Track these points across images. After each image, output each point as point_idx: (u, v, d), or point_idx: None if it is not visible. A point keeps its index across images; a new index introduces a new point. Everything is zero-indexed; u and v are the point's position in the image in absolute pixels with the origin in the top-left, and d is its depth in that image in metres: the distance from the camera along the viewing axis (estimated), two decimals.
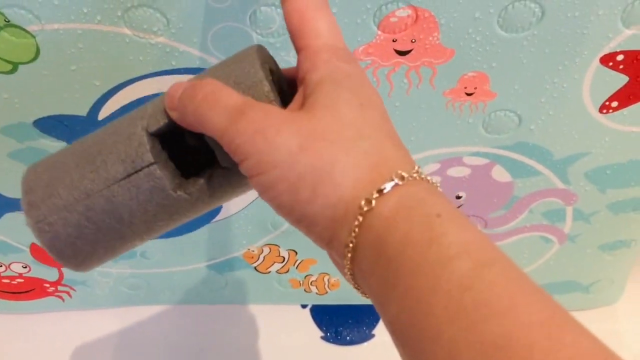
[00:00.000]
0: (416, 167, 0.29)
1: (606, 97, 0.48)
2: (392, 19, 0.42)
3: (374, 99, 0.30)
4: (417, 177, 0.28)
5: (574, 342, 0.23)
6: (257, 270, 0.68)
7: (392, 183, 0.27)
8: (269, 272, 0.68)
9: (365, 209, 0.27)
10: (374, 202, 0.27)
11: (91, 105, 0.47)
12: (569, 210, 0.59)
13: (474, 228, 0.27)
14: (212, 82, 0.31)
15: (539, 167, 0.54)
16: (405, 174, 0.28)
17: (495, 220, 0.60)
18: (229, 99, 0.29)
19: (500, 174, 0.55)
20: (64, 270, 0.66)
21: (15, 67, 0.44)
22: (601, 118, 0.50)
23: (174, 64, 0.45)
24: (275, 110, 0.29)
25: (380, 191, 0.27)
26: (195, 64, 0.45)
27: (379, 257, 0.27)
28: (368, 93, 0.30)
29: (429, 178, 0.29)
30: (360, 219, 0.27)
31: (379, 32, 0.43)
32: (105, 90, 0.46)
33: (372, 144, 0.28)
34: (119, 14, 0.41)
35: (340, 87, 0.29)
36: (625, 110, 0.49)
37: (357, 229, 0.27)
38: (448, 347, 0.24)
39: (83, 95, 0.46)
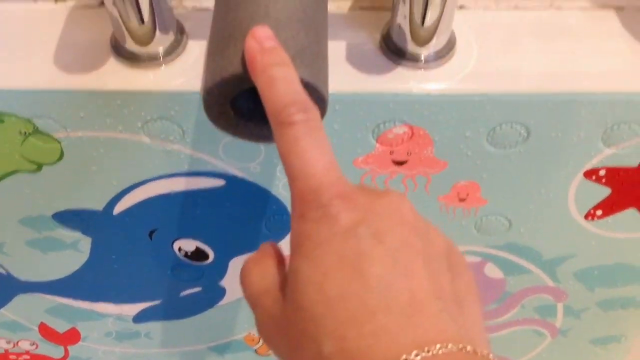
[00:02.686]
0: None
1: (591, 206, 0.51)
2: (390, 135, 0.46)
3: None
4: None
5: None
6: (257, 353, 0.69)
7: None
8: (269, 354, 0.70)
9: None
10: None
11: (107, 201, 0.51)
12: (560, 307, 0.61)
13: None
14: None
15: (530, 266, 0.57)
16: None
17: (488, 313, 0.63)
18: None
19: (492, 271, 0.58)
20: (70, 348, 0.68)
21: (39, 167, 0.47)
22: (587, 224, 0.53)
23: (187, 168, 0.48)
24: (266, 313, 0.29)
25: None
26: (207, 168, 0.48)
27: None
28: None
29: None
30: None
31: (378, 145, 0.47)
32: (121, 188, 0.50)
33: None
34: (139, 124, 0.45)
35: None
36: (609, 219, 0.52)
37: None
38: None
39: (100, 192, 0.50)
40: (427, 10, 0.40)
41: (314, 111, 0.28)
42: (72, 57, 0.44)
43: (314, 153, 0.27)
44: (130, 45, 0.43)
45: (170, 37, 0.44)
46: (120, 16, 0.41)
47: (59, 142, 0.46)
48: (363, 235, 0.26)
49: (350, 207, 0.27)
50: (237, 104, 0.30)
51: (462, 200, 0.51)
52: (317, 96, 0.30)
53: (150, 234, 0.54)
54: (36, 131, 0.45)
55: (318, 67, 0.30)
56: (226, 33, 0.30)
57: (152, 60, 0.44)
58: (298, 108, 0.27)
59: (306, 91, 0.29)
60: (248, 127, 0.32)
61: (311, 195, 0.27)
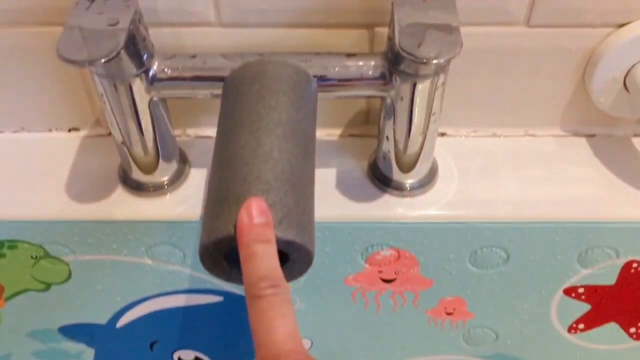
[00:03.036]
0: None
1: (573, 320, 0.54)
2: (378, 257, 0.49)
3: None
4: None
5: None
6: None
7: None
8: None
9: None
10: None
11: (111, 315, 0.53)
12: None
13: None
14: None
15: None
16: None
17: None
18: None
19: None
20: None
21: (48, 286, 0.50)
22: (570, 337, 0.55)
23: (187, 286, 0.51)
24: None
25: None
26: (206, 286, 0.51)
27: None
28: None
29: None
30: None
31: (367, 266, 0.49)
32: (124, 304, 0.52)
33: None
34: (143, 249, 0.48)
35: None
36: (591, 332, 0.54)
37: None
38: None
39: (105, 308, 0.53)
40: (410, 140, 0.43)
41: (284, 286, 0.31)
42: (82, 187, 0.48)
43: (278, 323, 0.30)
44: (137, 174, 0.47)
45: (173, 166, 0.48)
46: (127, 148, 0.45)
47: (68, 265, 0.49)
48: None
49: None
50: (231, 253, 0.34)
51: (449, 314, 0.54)
52: (304, 252, 0.33)
53: (151, 345, 0.56)
54: (46, 255, 0.48)
55: (303, 226, 0.34)
56: (221, 195, 0.33)
57: (157, 190, 0.47)
58: (268, 283, 0.30)
59: (294, 249, 0.33)
60: (240, 274, 0.35)
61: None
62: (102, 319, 0.54)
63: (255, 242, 0.31)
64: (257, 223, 0.31)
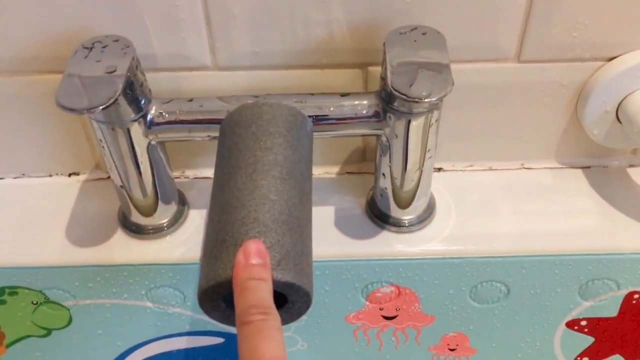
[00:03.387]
0: None
1: (577, 354, 0.53)
2: (378, 294, 0.49)
3: None
4: None
5: None
6: None
7: None
8: None
9: None
10: None
11: None
12: None
13: None
14: None
15: None
16: None
17: None
18: None
19: None
20: None
21: (49, 332, 0.50)
22: None
23: (187, 328, 0.51)
24: None
25: None
26: (207, 328, 0.51)
27: None
28: None
29: None
30: None
31: (367, 303, 0.49)
32: (125, 348, 0.52)
33: None
34: (143, 292, 0.48)
35: None
36: None
37: None
38: None
39: (106, 353, 0.52)
40: (406, 177, 0.44)
41: (273, 314, 0.31)
42: (82, 231, 0.48)
43: (263, 346, 0.29)
44: (136, 217, 0.47)
45: (172, 208, 0.48)
46: (126, 191, 0.45)
47: (68, 310, 0.49)
48: None
49: None
50: (229, 296, 0.34)
51: (452, 350, 0.53)
52: (302, 294, 0.33)
53: None
54: (47, 300, 0.48)
55: (302, 267, 0.34)
56: (219, 238, 0.34)
57: (156, 232, 0.47)
58: (258, 310, 0.30)
59: (292, 291, 0.33)
60: None
61: None
62: None
63: (248, 280, 0.31)
64: (253, 263, 0.32)
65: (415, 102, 0.36)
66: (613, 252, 0.46)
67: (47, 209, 0.50)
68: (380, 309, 0.50)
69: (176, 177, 0.51)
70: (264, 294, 0.31)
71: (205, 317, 0.50)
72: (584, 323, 0.50)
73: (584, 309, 0.49)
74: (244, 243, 0.32)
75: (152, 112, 0.41)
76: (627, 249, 0.46)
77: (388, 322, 0.51)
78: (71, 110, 0.36)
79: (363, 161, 0.52)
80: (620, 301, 0.49)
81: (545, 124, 0.49)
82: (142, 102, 0.40)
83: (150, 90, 0.42)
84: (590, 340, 0.52)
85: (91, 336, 0.51)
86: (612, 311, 0.50)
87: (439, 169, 0.52)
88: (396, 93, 0.36)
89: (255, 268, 0.31)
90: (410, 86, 0.36)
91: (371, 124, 0.42)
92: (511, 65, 0.45)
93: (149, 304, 0.49)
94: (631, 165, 0.52)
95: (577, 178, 0.51)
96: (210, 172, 0.52)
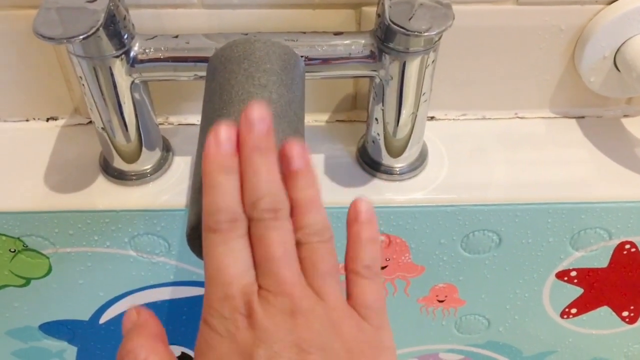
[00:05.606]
0: None
1: (565, 305, 0.53)
2: None
3: None
4: None
5: None
6: None
7: None
8: None
9: None
10: None
11: (94, 312, 0.52)
12: None
13: None
14: None
15: None
16: None
17: None
18: None
19: None
20: None
21: (27, 281, 0.49)
22: (563, 322, 0.54)
23: (172, 278, 0.49)
24: None
25: None
26: (192, 278, 0.50)
27: None
28: None
29: None
30: None
31: None
32: (107, 299, 0.51)
33: None
34: (126, 240, 0.46)
35: None
36: (584, 316, 0.54)
37: None
38: None
39: (87, 304, 0.51)
40: (400, 122, 0.42)
41: (241, 222, 0.29)
42: (62, 177, 0.46)
43: (227, 261, 0.28)
44: (118, 163, 0.45)
45: (156, 154, 0.46)
46: (108, 135, 0.43)
47: (48, 258, 0.47)
48: (258, 358, 0.26)
49: (250, 325, 0.27)
50: None
51: (441, 301, 0.53)
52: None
53: None
54: (25, 248, 0.46)
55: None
56: None
57: (139, 178, 0.46)
58: (225, 217, 0.28)
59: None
60: None
61: (217, 303, 0.27)
62: (85, 315, 0.52)
63: (216, 172, 0.29)
64: (223, 150, 0.29)
65: (415, 35, 0.34)
66: (606, 201, 0.46)
67: (24, 154, 0.48)
68: None
69: (160, 124, 0.50)
70: (231, 195, 0.28)
71: (190, 267, 0.49)
72: (573, 274, 0.50)
73: (574, 259, 0.49)
74: (213, 127, 0.29)
75: (136, 48, 0.39)
76: (619, 197, 0.46)
77: None
78: (50, 39, 0.33)
79: (354, 109, 0.51)
80: (611, 252, 0.49)
81: (540, 71, 0.48)
82: (125, 37, 0.38)
83: (133, 25, 0.39)
84: (579, 291, 0.52)
85: (72, 286, 0.49)
86: (603, 262, 0.50)
87: (432, 118, 0.51)
88: (394, 27, 0.35)
89: (226, 157, 0.29)
90: (409, 20, 0.35)
91: (365, 64, 0.40)
92: (510, 7, 0.43)
93: (132, 253, 0.47)
94: (625, 115, 0.51)
95: (571, 128, 0.51)
96: (195, 119, 0.50)
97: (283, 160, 0.30)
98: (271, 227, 0.28)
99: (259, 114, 0.29)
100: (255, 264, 0.28)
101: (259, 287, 0.28)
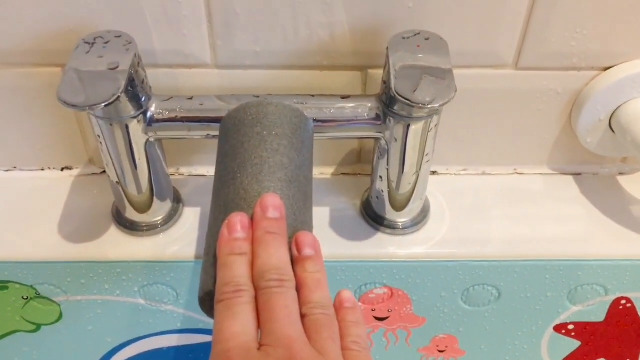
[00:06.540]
0: None
1: (563, 357, 0.54)
2: (371, 295, 0.49)
3: None
4: None
5: None
6: None
7: None
8: None
9: None
10: None
11: (101, 356, 0.53)
12: None
13: None
14: None
15: None
16: None
17: None
18: None
19: None
20: None
21: (38, 327, 0.50)
22: None
23: (179, 326, 0.51)
24: None
25: None
26: (198, 326, 0.51)
27: None
28: None
29: None
30: None
31: (360, 304, 0.50)
32: (115, 345, 0.52)
33: None
34: (136, 289, 0.48)
35: None
36: None
37: None
38: None
39: (95, 349, 0.52)
40: (403, 180, 0.44)
41: (247, 291, 0.31)
42: (74, 226, 0.47)
43: (229, 323, 0.30)
44: (131, 214, 0.47)
45: (167, 205, 0.48)
46: (122, 188, 0.45)
47: (59, 305, 0.48)
48: None
49: None
50: None
51: (441, 351, 0.54)
52: None
53: None
54: (37, 296, 0.47)
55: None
56: None
57: (150, 229, 0.47)
58: (230, 288, 0.31)
59: None
60: None
61: (215, 358, 0.29)
62: (93, 359, 0.53)
63: (228, 255, 0.32)
64: (235, 237, 0.32)
65: (419, 107, 0.36)
66: (602, 259, 0.47)
67: (39, 203, 0.49)
68: (372, 310, 0.50)
69: (171, 174, 0.51)
70: (241, 271, 0.32)
71: (197, 315, 0.50)
72: (571, 327, 0.51)
73: (572, 313, 0.50)
74: (228, 217, 0.33)
75: (152, 109, 0.41)
76: (616, 255, 0.47)
77: (379, 323, 0.51)
78: (73, 106, 0.35)
79: (358, 163, 0.52)
80: (608, 306, 0.50)
81: (539, 130, 0.50)
82: (143, 99, 0.40)
83: (150, 87, 0.41)
84: (576, 344, 0.53)
85: (81, 332, 0.50)
86: (600, 316, 0.51)
87: (434, 172, 0.53)
88: (400, 98, 0.36)
89: (237, 242, 0.32)
90: (414, 91, 0.37)
91: (371, 126, 0.42)
92: (509, 72, 0.45)
93: (142, 301, 0.48)
94: (621, 173, 0.53)
95: (568, 184, 0.52)
96: (205, 170, 0.52)
97: (296, 247, 0.34)
98: (276, 293, 0.31)
99: (272, 202, 0.34)
100: (260, 328, 0.31)
101: (260, 345, 0.30)
